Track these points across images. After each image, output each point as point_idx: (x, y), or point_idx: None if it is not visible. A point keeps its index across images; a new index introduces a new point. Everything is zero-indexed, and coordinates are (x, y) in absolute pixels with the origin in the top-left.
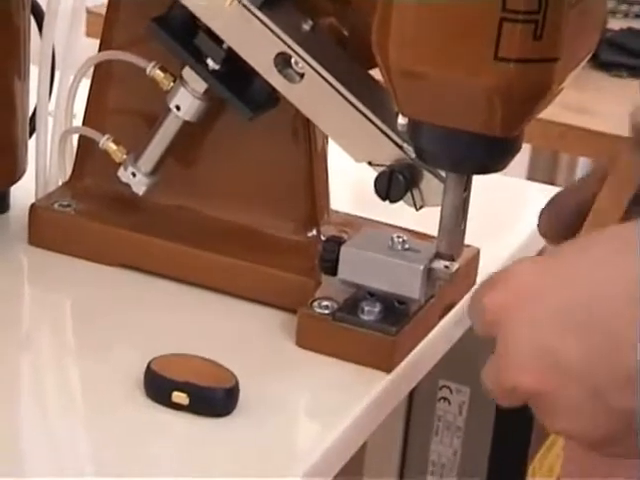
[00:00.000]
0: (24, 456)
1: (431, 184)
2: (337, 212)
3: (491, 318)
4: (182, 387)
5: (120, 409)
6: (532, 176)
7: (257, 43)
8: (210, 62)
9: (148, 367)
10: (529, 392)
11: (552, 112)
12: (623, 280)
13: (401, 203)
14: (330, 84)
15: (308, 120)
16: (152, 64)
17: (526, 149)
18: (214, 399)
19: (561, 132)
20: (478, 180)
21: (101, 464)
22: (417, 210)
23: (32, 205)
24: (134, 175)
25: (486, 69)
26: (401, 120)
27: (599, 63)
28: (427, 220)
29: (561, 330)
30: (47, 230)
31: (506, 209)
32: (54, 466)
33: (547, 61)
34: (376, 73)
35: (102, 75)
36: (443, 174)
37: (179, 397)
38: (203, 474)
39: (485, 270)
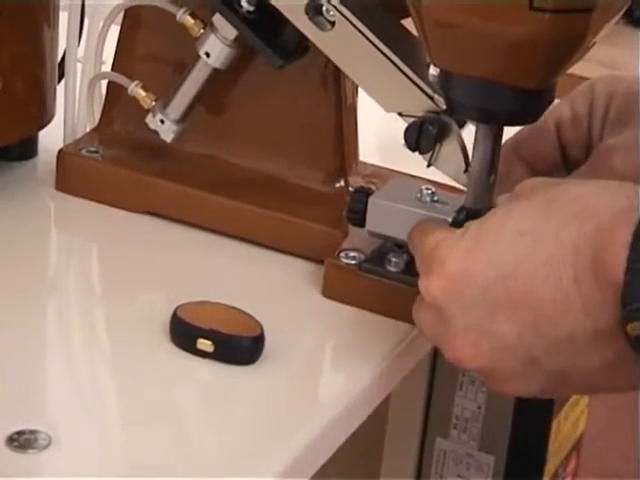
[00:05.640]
0: (49, 400)
1: (451, 148)
2: (365, 164)
3: (430, 303)
4: (207, 334)
5: (145, 355)
6: None
7: None
8: (241, 8)
9: (174, 314)
10: (471, 367)
11: (584, 68)
12: (542, 251)
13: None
14: (361, 32)
15: (338, 70)
16: (182, 10)
17: None
18: (239, 347)
19: None
20: (508, 133)
21: (125, 409)
22: (427, 167)
23: (60, 151)
24: (162, 122)
25: (521, 19)
26: (432, 71)
27: (633, 19)
28: None
29: (490, 309)
30: (74, 176)
31: None
32: (78, 410)
33: (582, 11)
34: (408, 23)
35: (131, 21)
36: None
37: (204, 344)
38: (226, 421)
39: None
